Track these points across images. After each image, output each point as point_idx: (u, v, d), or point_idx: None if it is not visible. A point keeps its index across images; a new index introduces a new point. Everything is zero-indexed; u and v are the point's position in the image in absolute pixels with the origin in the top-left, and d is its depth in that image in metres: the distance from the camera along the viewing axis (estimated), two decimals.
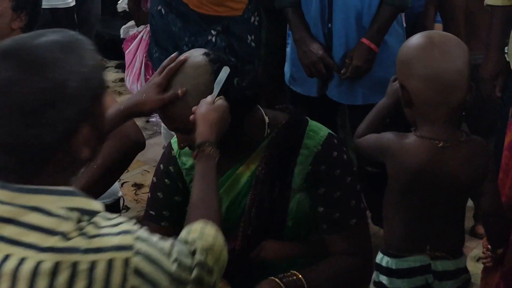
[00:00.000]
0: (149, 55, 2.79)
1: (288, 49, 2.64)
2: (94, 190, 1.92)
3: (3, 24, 1.97)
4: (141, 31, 3.01)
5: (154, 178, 1.77)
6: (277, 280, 1.56)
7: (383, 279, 1.79)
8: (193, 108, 1.48)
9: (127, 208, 3.21)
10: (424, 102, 1.65)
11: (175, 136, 1.66)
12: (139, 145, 1.95)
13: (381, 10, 2.42)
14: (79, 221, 1.05)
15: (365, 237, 1.71)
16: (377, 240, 2.16)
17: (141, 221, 1.75)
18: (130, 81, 3.03)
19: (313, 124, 1.69)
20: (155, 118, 4.11)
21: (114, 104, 1.80)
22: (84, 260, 1.01)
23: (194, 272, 1.17)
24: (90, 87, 1.08)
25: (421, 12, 3.07)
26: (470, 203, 1.87)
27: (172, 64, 1.54)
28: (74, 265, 1.00)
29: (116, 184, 2.24)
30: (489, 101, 2.48)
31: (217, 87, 1.50)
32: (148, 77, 2.88)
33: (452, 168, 1.68)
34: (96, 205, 1.10)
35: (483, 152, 1.73)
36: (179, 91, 1.51)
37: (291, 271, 1.59)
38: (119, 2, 3.37)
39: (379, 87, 2.37)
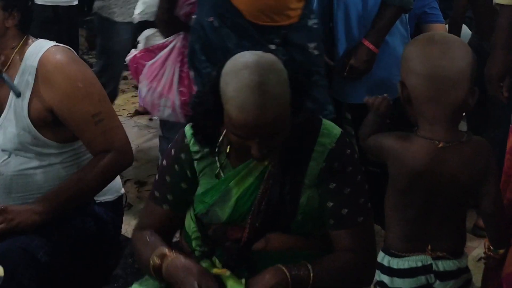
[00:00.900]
0: (192, 68, 2.46)
1: None
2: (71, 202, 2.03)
3: None
4: (172, 40, 2.66)
5: (164, 161, 1.80)
6: (284, 269, 1.58)
7: (385, 278, 1.79)
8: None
9: (129, 206, 3.22)
10: (421, 99, 1.67)
11: (189, 124, 1.72)
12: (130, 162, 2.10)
13: (382, 11, 2.42)
14: None
15: (370, 236, 1.75)
16: (378, 238, 2.16)
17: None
18: (155, 95, 2.63)
19: (327, 123, 1.73)
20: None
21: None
22: None
23: None
24: None
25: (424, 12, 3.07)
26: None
27: None
28: None
29: (119, 181, 2.24)
30: (494, 101, 2.47)
31: None
32: (182, 89, 2.63)
33: (453, 169, 1.69)
34: None
35: (485, 152, 1.73)
36: None
37: (302, 261, 1.62)
38: (135, 12, 2.88)
39: (381, 86, 2.37)
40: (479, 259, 2.65)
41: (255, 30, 2.26)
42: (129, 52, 2.84)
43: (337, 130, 1.73)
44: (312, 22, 2.37)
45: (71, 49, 2.11)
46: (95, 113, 2.03)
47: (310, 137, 1.69)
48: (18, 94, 2.00)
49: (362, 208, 1.71)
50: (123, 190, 2.28)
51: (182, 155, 1.75)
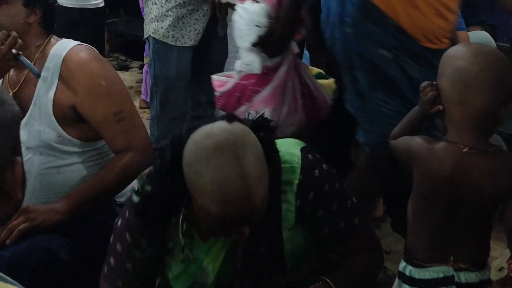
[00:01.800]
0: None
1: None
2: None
3: (18, 21, 2.02)
4: (283, 59, 2.42)
5: (118, 246, 1.58)
6: None
7: None
8: None
9: None
10: (448, 101, 1.69)
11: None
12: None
13: None
14: None
15: (369, 229, 1.74)
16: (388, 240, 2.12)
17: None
18: (282, 116, 2.40)
19: (283, 150, 1.55)
20: None
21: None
22: None
23: None
24: None
25: None
26: None
27: None
28: None
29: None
30: None
31: None
32: (304, 101, 2.42)
33: (476, 178, 1.67)
34: None
35: (510, 167, 1.70)
36: None
37: (322, 276, 1.59)
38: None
39: None
40: (501, 269, 2.63)
41: (430, 54, 2.19)
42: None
43: (296, 155, 1.55)
44: None
45: (94, 48, 2.13)
46: (117, 111, 2.04)
47: (273, 180, 1.44)
48: (38, 75, 2.02)
49: (352, 210, 1.63)
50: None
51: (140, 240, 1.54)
